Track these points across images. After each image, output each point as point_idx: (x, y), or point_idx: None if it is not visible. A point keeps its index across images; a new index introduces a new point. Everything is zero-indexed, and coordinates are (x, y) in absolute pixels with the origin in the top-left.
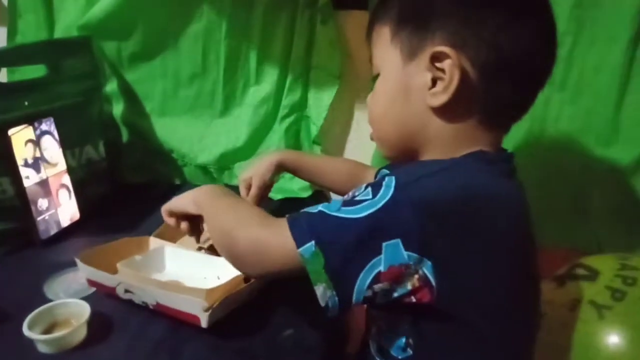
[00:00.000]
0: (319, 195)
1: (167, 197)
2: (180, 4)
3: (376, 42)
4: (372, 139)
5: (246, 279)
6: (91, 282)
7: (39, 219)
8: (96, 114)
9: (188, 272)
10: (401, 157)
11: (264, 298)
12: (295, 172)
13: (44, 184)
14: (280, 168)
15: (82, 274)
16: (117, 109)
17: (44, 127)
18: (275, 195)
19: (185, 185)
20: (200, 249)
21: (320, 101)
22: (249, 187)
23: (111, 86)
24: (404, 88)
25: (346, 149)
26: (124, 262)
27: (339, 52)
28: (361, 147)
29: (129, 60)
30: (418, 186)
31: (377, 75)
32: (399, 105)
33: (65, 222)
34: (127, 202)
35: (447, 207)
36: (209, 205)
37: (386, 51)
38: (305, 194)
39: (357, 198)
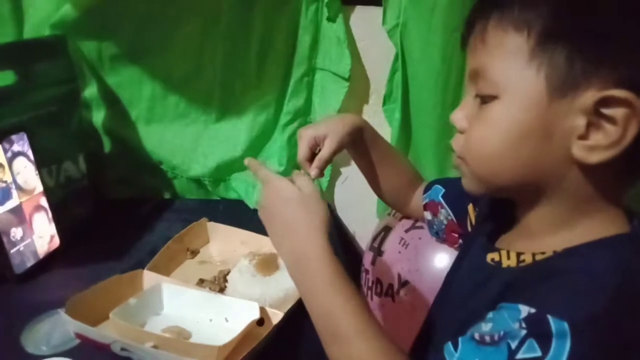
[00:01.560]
0: None
1: (155, 214)
2: (172, 1)
3: (494, 49)
4: (455, 166)
5: (259, 322)
6: (80, 337)
7: (12, 251)
8: (75, 125)
9: (190, 314)
10: (493, 193)
11: (282, 341)
12: (369, 146)
13: (17, 210)
14: (360, 135)
15: (67, 326)
16: (98, 116)
17: (16, 147)
18: None
19: (176, 200)
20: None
21: (327, 106)
22: (313, 148)
23: (90, 91)
24: (543, 128)
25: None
26: (117, 310)
27: (348, 51)
28: None
29: (112, 61)
30: (599, 325)
31: (485, 97)
32: (529, 148)
33: (43, 252)
34: (113, 222)
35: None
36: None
37: (517, 70)
38: None
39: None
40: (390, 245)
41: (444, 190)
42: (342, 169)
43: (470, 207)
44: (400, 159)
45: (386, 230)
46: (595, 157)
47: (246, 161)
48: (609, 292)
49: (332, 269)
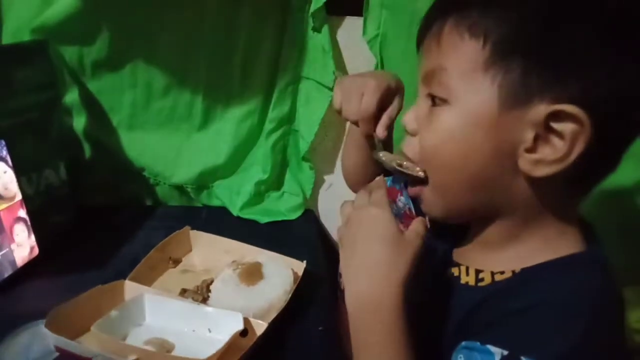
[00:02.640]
0: (310, 216)
1: (137, 221)
2: (154, 5)
3: (449, 52)
4: (415, 183)
5: (243, 332)
6: (61, 350)
7: None
8: (55, 131)
9: (173, 325)
10: (458, 217)
11: (266, 352)
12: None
13: None
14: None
15: (48, 340)
16: (79, 122)
17: None
18: (260, 217)
19: (158, 207)
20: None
21: (311, 115)
22: (382, 101)
23: (71, 97)
24: (491, 139)
25: (337, 167)
26: (99, 323)
27: (333, 61)
28: None
29: (93, 67)
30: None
31: (436, 98)
32: (478, 158)
33: (21, 261)
34: (93, 230)
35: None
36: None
37: (470, 77)
38: (294, 215)
39: None
40: None
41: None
42: (326, 177)
43: None
44: None
45: None
46: (540, 171)
47: (378, 178)
48: (578, 325)
49: (399, 325)
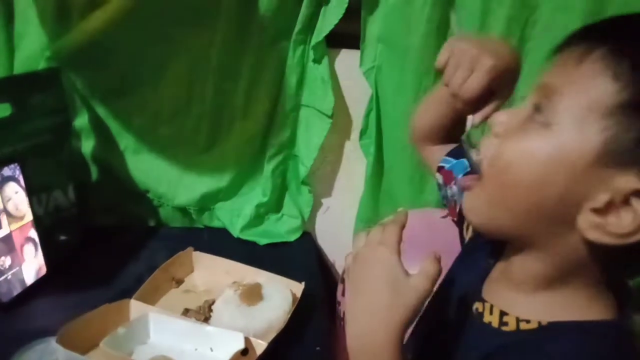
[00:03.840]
0: (307, 238)
1: (141, 241)
2: (164, 36)
3: (579, 80)
4: (464, 188)
5: (244, 351)
6: None
7: (0, 279)
8: (66, 154)
9: (176, 344)
10: (492, 233)
11: None
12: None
13: (6, 239)
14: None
15: (56, 353)
16: (87, 145)
17: (7, 171)
18: (260, 239)
19: (161, 228)
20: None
21: (310, 141)
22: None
23: (80, 121)
24: (568, 180)
25: (335, 190)
26: (107, 340)
27: (332, 91)
28: (351, 189)
29: (103, 94)
30: None
31: (540, 110)
32: (546, 190)
33: (30, 280)
34: (99, 249)
35: None
36: None
37: (584, 115)
38: (293, 237)
39: None
40: None
41: (469, 170)
42: (324, 200)
43: None
44: None
45: None
46: (593, 235)
47: (400, 211)
48: None
49: None
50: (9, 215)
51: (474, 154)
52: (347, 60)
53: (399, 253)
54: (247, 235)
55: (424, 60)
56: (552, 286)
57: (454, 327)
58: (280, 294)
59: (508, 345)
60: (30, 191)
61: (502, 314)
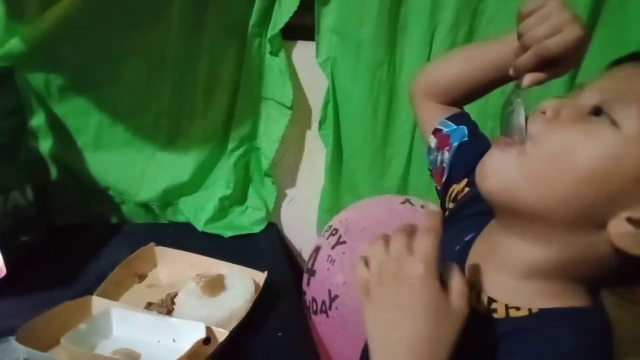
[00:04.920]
0: (273, 229)
1: (103, 239)
2: (119, 31)
3: None
4: (502, 145)
5: (205, 340)
6: None
7: None
8: (23, 155)
9: (139, 336)
10: (509, 203)
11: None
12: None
13: None
14: None
15: (17, 351)
16: (45, 145)
17: None
18: (225, 232)
19: (124, 225)
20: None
21: (272, 133)
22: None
23: (37, 121)
24: (616, 183)
25: (298, 181)
26: (68, 336)
27: (290, 82)
28: (314, 179)
29: (59, 92)
30: None
31: (604, 114)
32: (591, 186)
33: None
34: (61, 249)
35: None
36: None
37: None
38: (258, 229)
39: None
40: (320, 264)
41: (467, 139)
42: (288, 191)
43: (464, 181)
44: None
45: (317, 250)
46: (622, 242)
47: (433, 210)
48: None
49: None
50: None
51: (520, 117)
52: (304, 52)
53: (438, 273)
54: (212, 229)
55: (377, 51)
56: (546, 279)
57: None
58: (242, 284)
59: (503, 335)
60: None
61: (490, 301)
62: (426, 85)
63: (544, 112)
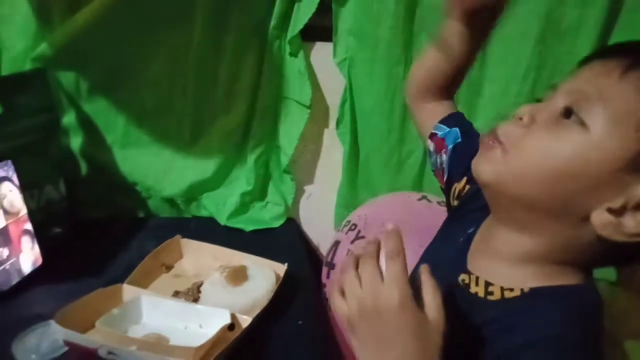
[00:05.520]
0: (292, 224)
1: (131, 232)
2: (145, 32)
3: (621, 93)
4: (485, 147)
5: (230, 326)
6: (69, 344)
7: None
8: (55, 151)
9: (168, 322)
10: (501, 195)
11: (251, 345)
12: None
13: (3, 232)
14: None
15: (55, 333)
16: (75, 142)
17: (1, 172)
18: (246, 226)
19: (149, 219)
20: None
21: (291, 131)
22: None
23: (68, 118)
24: (592, 181)
25: (316, 177)
26: (102, 319)
27: (309, 82)
28: (331, 176)
29: (89, 91)
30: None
31: (572, 115)
32: (570, 185)
33: (27, 269)
34: (89, 240)
35: None
36: None
37: (621, 125)
38: (277, 223)
39: None
40: (340, 257)
41: (460, 141)
42: (306, 187)
43: (464, 179)
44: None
45: (336, 244)
46: (605, 231)
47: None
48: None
49: None
50: (6, 212)
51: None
52: (322, 53)
53: (411, 293)
54: (234, 223)
55: (393, 51)
56: (535, 262)
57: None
58: (264, 275)
59: (495, 318)
60: (23, 188)
61: (487, 284)
62: (414, 88)
63: (520, 118)
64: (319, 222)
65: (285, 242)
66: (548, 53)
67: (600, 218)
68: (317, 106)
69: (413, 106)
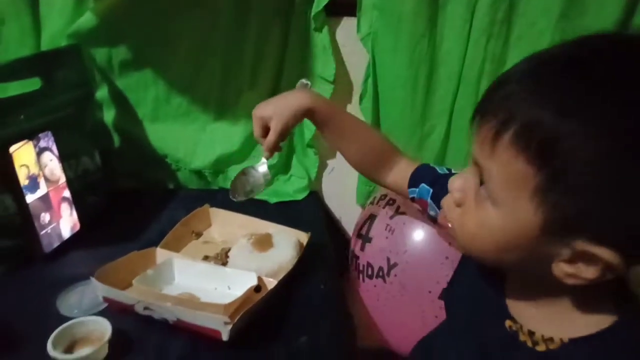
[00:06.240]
0: (315, 197)
1: (161, 202)
2: (173, 11)
3: (502, 164)
4: (442, 226)
5: (257, 288)
6: (108, 300)
7: (42, 233)
8: (90, 123)
9: (198, 283)
10: (492, 263)
11: (277, 306)
12: (321, 126)
13: (45, 198)
14: (307, 117)
15: (95, 290)
16: (108, 115)
17: (42, 143)
18: (270, 198)
19: (179, 190)
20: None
21: None
22: (265, 127)
23: (101, 93)
24: (531, 245)
25: (338, 153)
26: (138, 278)
27: (333, 58)
28: None
29: (120, 67)
30: None
31: (481, 180)
32: (514, 253)
33: (66, 234)
34: (123, 209)
35: None
36: None
37: (518, 197)
38: (301, 196)
39: None
40: (377, 231)
41: (431, 190)
42: (329, 161)
43: None
44: (365, 135)
45: (371, 218)
46: (570, 281)
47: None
48: None
49: None
50: (47, 179)
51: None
52: (346, 28)
53: None
54: (258, 195)
55: (417, 25)
56: (563, 302)
57: (489, 343)
58: (288, 242)
59: None
60: (62, 158)
61: (530, 333)
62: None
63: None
64: (341, 196)
65: (308, 214)
66: (570, 28)
67: (558, 270)
68: (341, 82)
69: (381, 186)
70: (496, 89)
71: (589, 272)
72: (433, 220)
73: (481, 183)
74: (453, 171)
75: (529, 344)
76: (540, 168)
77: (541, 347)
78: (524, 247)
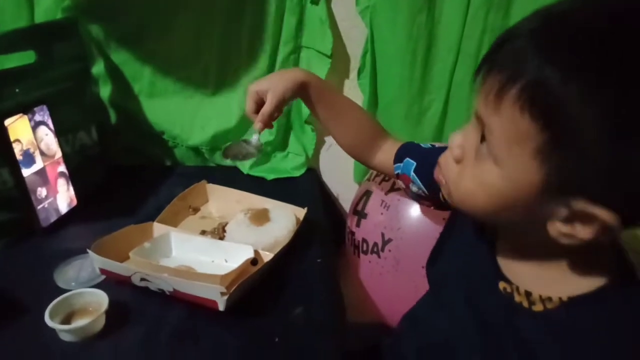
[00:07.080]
0: (312, 174)
1: (159, 178)
2: None
3: (506, 122)
4: (437, 181)
5: (253, 261)
6: (105, 272)
7: (39, 207)
8: (87, 98)
9: (195, 257)
10: (486, 218)
11: (273, 279)
12: (315, 101)
13: (41, 172)
14: (302, 91)
15: (92, 263)
16: (105, 91)
17: (38, 117)
18: (267, 175)
19: (176, 167)
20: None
21: None
22: (259, 102)
23: (97, 68)
24: (529, 204)
25: None
26: (135, 250)
27: (330, 31)
28: None
29: (117, 41)
30: None
31: (482, 136)
32: (510, 211)
33: (64, 209)
34: (120, 185)
35: None
36: None
37: (521, 154)
38: (298, 173)
39: None
40: (372, 207)
41: (415, 164)
42: (326, 138)
43: None
44: (355, 115)
45: (367, 194)
46: (565, 240)
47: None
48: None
49: None
50: (43, 154)
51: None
52: (344, 2)
53: None
54: (256, 172)
55: None
56: (558, 260)
57: (480, 305)
58: (285, 217)
59: (544, 330)
60: (58, 132)
61: (527, 293)
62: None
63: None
64: (339, 173)
65: (306, 190)
66: None
67: (554, 229)
68: (339, 56)
69: (369, 167)
70: (505, 42)
71: (585, 232)
72: (414, 198)
73: (482, 140)
74: (436, 146)
75: (525, 304)
76: (545, 127)
77: (538, 307)
78: (522, 205)
